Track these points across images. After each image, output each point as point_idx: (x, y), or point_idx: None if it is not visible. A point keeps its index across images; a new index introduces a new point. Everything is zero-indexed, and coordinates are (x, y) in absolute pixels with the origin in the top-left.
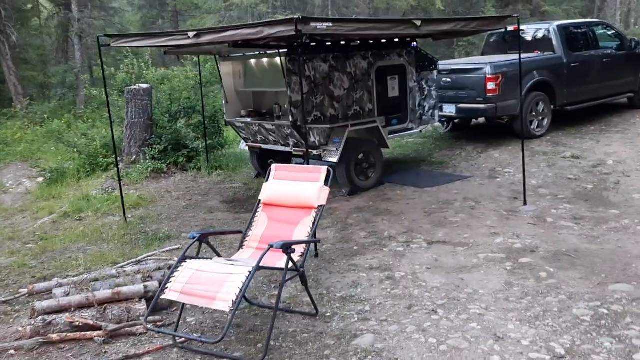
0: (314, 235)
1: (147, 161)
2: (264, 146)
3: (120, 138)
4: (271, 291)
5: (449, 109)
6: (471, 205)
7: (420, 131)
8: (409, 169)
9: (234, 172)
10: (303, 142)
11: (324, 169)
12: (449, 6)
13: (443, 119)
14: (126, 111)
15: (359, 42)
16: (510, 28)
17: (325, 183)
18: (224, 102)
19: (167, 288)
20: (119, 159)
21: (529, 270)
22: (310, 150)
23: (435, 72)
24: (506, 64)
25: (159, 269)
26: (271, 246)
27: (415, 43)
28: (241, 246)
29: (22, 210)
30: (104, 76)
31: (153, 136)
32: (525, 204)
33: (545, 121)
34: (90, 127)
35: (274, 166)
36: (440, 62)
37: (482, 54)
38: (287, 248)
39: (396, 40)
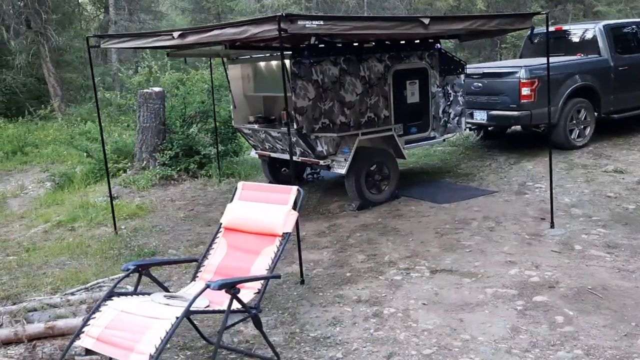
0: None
1: (157, 167)
2: (272, 154)
3: (133, 143)
4: (247, 326)
5: (480, 116)
6: (490, 226)
7: (444, 140)
8: (430, 181)
9: (246, 180)
10: (309, 151)
11: (294, 190)
12: (492, 6)
13: (474, 127)
14: (138, 115)
15: (373, 43)
16: (551, 28)
17: (295, 206)
18: (232, 107)
19: (83, 332)
20: (129, 164)
21: (542, 312)
22: (317, 160)
23: (462, 77)
24: (543, 68)
25: None
26: (208, 286)
27: (439, 44)
28: (194, 277)
29: (22, 217)
30: (92, 78)
31: (165, 141)
32: (552, 226)
33: (588, 130)
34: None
35: (240, 184)
36: (470, 66)
37: (521, 57)
38: (231, 287)
39: (417, 41)
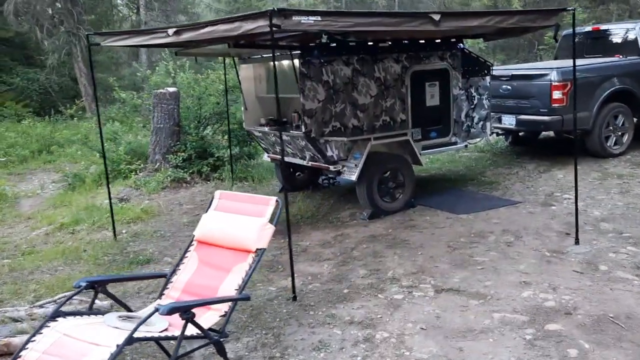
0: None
1: (170, 169)
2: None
3: (148, 144)
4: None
5: (508, 121)
6: (508, 241)
7: (466, 146)
8: (451, 189)
9: (259, 184)
10: (319, 156)
11: (272, 201)
12: (528, 6)
13: (502, 132)
14: (152, 116)
15: (390, 42)
16: (588, 28)
17: (272, 219)
18: (243, 108)
19: (20, 357)
20: (143, 166)
21: (554, 344)
22: (327, 166)
23: (487, 78)
24: (577, 70)
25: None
26: (156, 310)
27: (461, 44)
28: (161, 295)
29: (29, 218)
30: (93, 77)
31: (179, 143)
32: (577, 242)
33: (626, 137)
34: (125, 131)
35: (217, 193)
36: (498, 67)
37: (556, 58)
38: (185, 311)
39: (438, 40)
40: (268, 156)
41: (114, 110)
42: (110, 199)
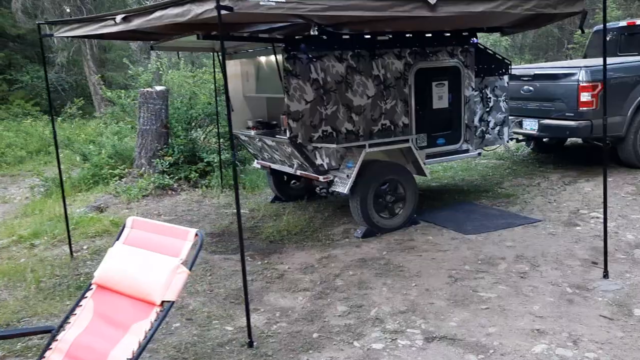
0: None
1: (155, 175)
2: (272, 165)
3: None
4: None
5: (530, 125)
6: (522, 271)
7: (479, 154)
8: (461, 202)
9: (251, 193)
10: (307, 164)
11: (190, 235)
12: None
13: (522, 138)
14: (138, 117)
15: (390, 36)
16: (622, 23)
17: (188, 261)
18: (228, 109)
19: None
20: (128, 170)
21: None
22: (316, 176)
23: (505, 78)
24: (609, 69)
25: None
26: None
27: (475, 39)
28: (41, 357)
29: None
30: (45, 71)
31: (166, 146)
32: (605, 275)
33: None
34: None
35: (129, 221)
36: (518, 66)
37: (585, 57)
38: None
39: (447, 34)
40: (257, 163)
41: (109, 111)
42: (65, 211)
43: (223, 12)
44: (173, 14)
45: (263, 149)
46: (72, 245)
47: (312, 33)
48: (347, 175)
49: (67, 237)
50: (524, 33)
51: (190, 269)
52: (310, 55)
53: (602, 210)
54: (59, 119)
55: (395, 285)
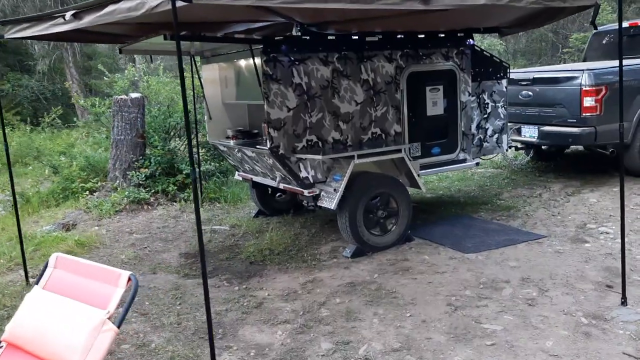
0: None
1: (130, 188)
2: (254, 178)
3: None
4: None
5: (529, 133)
6: (529, 297)
7: (477, 164)
8: (458, 216)
9: (233, 206)
10: (290, 177)
11: (122, 280)
12: None
13: (521, 146)
14: (112, 126)
15: (380, 36)
16: (625, 24)
17: (117, 317)
18: (206, 118)
19: None
20: (101, 184)
21: None
22: (301, 190)
23: (504, 82)
24: (613, 72)
25: None
26: None
27: (471, 40)
28: None
29: None
30: None
31: (142, 157)
32: (624, 301)
33: None
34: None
35: (53, 258)
36: (516, 70)
37: (584, 60)
38: None
39: (441, 35)
40: (239, 175)
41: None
42: (19, 231)
43: (179, 4)
44: (125, 8)
45: (243, 160)
46: (29, 270)
47: (294, 33)
48: (335, 189)
49: (23, 262)
50: (517, 37)
51: (119, 326)
52: (292, 58)
53: (611, 224)
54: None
55: (387, 316)
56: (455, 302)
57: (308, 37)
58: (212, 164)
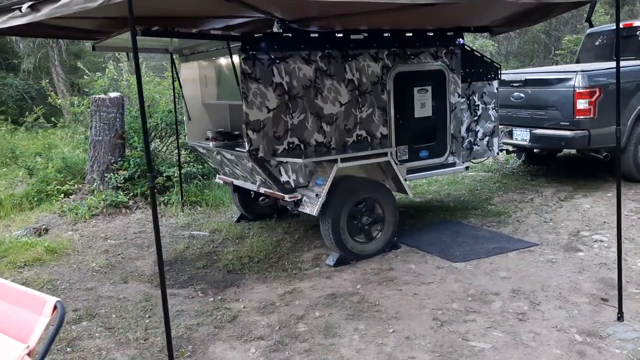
0: None
1: (108, 191)
2: (235, 182)
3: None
4: None
5: (521, 136)
6: (520, 311)
7: (467, 168)
8: (447, 222)
9: (215, 211)
10: (270, 181)
11: (48, 308)
12: None
13: (513, 149)
14: (90, 126)
15: (365, 34)
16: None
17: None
18: (185, 118)
19: None
20: (78, 186)
21: None
22: (282, 195)
23: (495, 83)
24: (607, 74)
25: None
26: None
27: (461, 39)
28: None
29: None
30: None
31: (121, 159)
32: (620, 317)
33: None
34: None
35: None
36: (508, 71)
37: (578, 62)
38: None
39: (430, 33)
40: (219, 178)
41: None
42: None
43: None
44: None
45: (223, 163)
46: None
47: (274, 30)
48: (317, 194)
49: None
50: (510, 39)
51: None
52: (272, 56)
53: (605, 232)
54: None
55: (369, 332)
56: (441, 316)
57: (289, 35)
58: (195, 166)
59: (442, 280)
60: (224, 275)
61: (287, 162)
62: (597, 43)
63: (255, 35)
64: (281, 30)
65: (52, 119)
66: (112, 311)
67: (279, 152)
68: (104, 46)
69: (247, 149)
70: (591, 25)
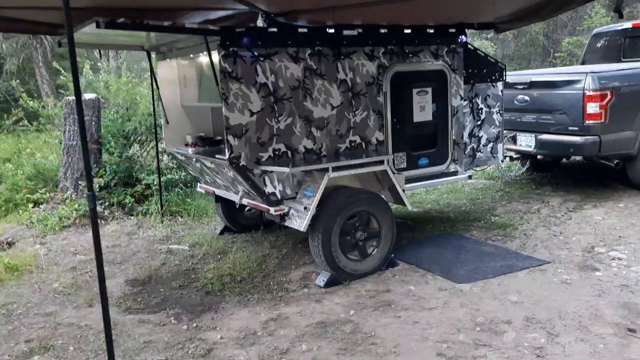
0: None
1: (81, 200)
2: (217, 192)
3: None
4: None
5: (526, 141)
6: (537, 345)
7: (470, 177)
8: (448, 235)
9: (198, 222)
10: (254, 192)
11: None
12: None
13: (517, 156)
14: (63, 130)
15: (360, 30)
16: (628, 24)
17: None
18: (162, 122)
19: None
20: (50, 195)
21: None
22: (267, 207)
23: (499, 85)
24: (619, 76)
25: None
26: None
27: (464, 37)
28: None
29: None
30: None
31: (97, 165)
32: None
33: None
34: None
35: None
36: (512, 72)
37: (583, 63)
38: None
39: (430, 30)
40: (201, 187)
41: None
42: None
43: None
44: None
45: (203, 171)
46: None
47: (258, 24)
48: (305, 207)
49: None
50: (506, 42)
51: None
52: (255, 53)
53: (622, 248)
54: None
55: None
56: (447, 350)
57: (275, 30)
58: (178, 173)
59: (446, 305)
60: (202, 297)
61: (272, 171)
62: (604, 44)
63: (237, 29)
64: (266, 25)
65: (34, 122)
66: (70, 342)
67: (263, 160)
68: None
69: (227, 156)
70: (620, 16)
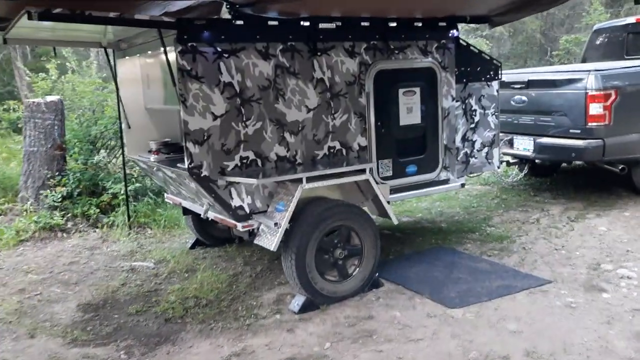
0: None
1: (42, 211)
2: (183, 203)
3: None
4: None
5: (524, 145)
6: None
7: (462, 185)
8: (438, 250)
9: (168, 234)
10: (219, 205)
11: None
12: None
13: (514, 161)
14: (24, 135)
15: (339, 23)
16: (631, 20)
17: None
18: (124, 126)
19: None
20: (8, 206)
21: None
22: (234, 222)
23: (494, 85)
24: (624, 74)
25: None
26: None
27: (455, 31)
28: None
29: None
30: None
31: (59, 174)
32: None
33: None
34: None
35: None
36: (509, 71)
37: (584, 60)
38: None
39: (418, 24)
40: (167, 198)
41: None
42: None
43: None
44: None
45: (167, 181)
46: None
47: (222, 16)
48: (276, 224)
49: None
50: (502, 40)
51: None
52: (218, 49)
53: (632, 265)
54: None
55: None
56: None
57: (242, 22)
58: (147, 181)
59: (435, 335)
60: (160, 325)
61: (239, 182)
62: (605, 40)
63: (196, 22)
64: (231, 16)
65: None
66: None
67: (228, 169)
68: (16, 38)
69: (186, 165)
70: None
